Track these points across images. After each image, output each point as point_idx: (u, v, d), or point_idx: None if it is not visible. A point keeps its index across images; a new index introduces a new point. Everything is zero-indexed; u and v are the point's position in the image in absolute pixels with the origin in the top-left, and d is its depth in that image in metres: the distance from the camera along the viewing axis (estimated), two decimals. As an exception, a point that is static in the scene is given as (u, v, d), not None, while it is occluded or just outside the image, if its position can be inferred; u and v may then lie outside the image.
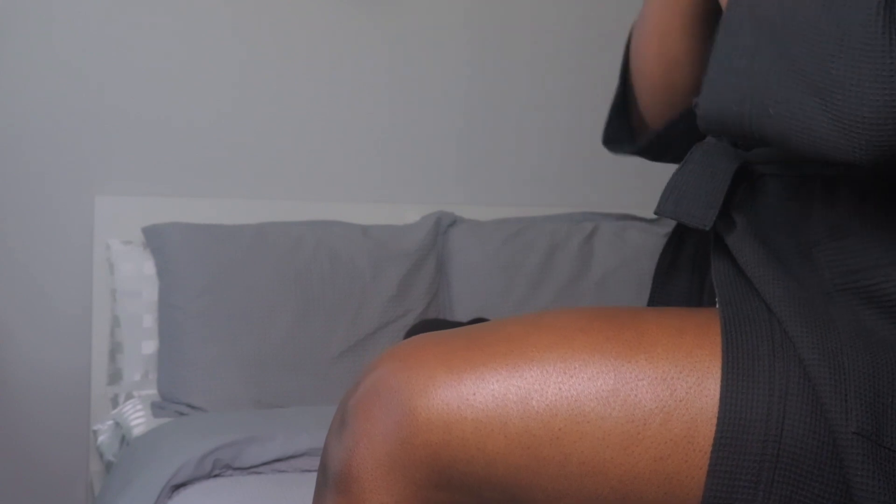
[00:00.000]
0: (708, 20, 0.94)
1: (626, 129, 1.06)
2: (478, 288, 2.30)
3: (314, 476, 1.59)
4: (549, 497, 0.70)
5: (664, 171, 1.17)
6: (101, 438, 2.10)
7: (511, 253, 2.33)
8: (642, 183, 2.41)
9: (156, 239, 2.15)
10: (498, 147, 2.58)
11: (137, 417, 2.00)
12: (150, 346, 2.15)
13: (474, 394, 0.70)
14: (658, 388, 0.70)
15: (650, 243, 2.40)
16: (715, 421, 0.68)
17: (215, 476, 1.60)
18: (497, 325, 0.76)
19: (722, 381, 0.69)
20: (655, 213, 0.83)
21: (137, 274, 2.17)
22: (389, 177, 2.50)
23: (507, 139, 2.59)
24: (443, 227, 2.36)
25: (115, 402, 2.16)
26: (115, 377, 2.19)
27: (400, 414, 0.71)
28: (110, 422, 2.11)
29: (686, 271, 0.91)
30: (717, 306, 0.76)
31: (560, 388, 0.70)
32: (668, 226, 2.39)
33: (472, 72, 2.56)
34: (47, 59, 2.22)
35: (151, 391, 2.12)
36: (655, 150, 1.01)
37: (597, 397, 0.70)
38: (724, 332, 0.71)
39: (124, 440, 1.99)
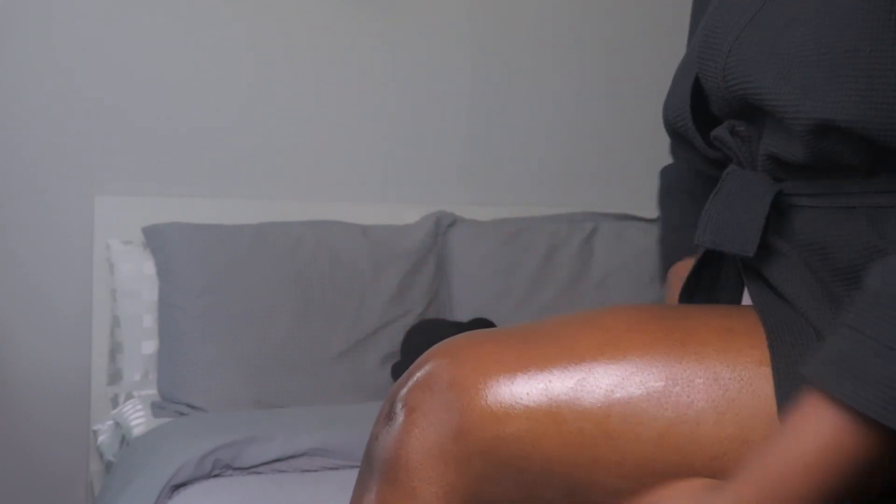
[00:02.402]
0: None
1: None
2: (478, 288, 2.30)
3: (314, 476, 1.59)
4: (608, 493, 0.71)
5: (664, 171, 1.17)
6: (101, 438, 2.10)
7: (511, 253, 2.33)
8: (642, 183, 2.41)
9: (156, 239, 2.15)
10: (498, 147, 2.58)
11: (137, 417, 2.00)
12: (150, 346, 2.15)
13: (527, 392, 0.71)
14: (710, 387, 0.70)
15: (650, 243, 2.40)
16: (767, 420, 0.69)
17: (215, 476, 1.60)
18: (548, 325, 0.77)
19: (774, 380, 0.69)
20: (696, 243, 0.82)
21: (137, 274, 2.17)
22: (389, 177, 2.50)
23: (508, 139, 2.59)
24: (443, 227, 2.36)
25: (115, 402, 2.16)
26: (115, 377, 2.19)
27: (453, 408, 0.72)
28: (110, 422, 2.11)
29: (704, 292, 0.91)
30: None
31: (612, 389, 0.71)
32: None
33: (473, 72, 2.56)
34: (47, 59, 2.22)
35: (151, 391, 2.12)
36: None
37: (649, 398, 0.70)
38: (769, 333, 0.72)
39: (124, 440, 1.99)
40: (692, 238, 0.96)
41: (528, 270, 2.32)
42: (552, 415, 0.70)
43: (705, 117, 0.88)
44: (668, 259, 1.04)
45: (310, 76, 2.42)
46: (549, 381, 0.71)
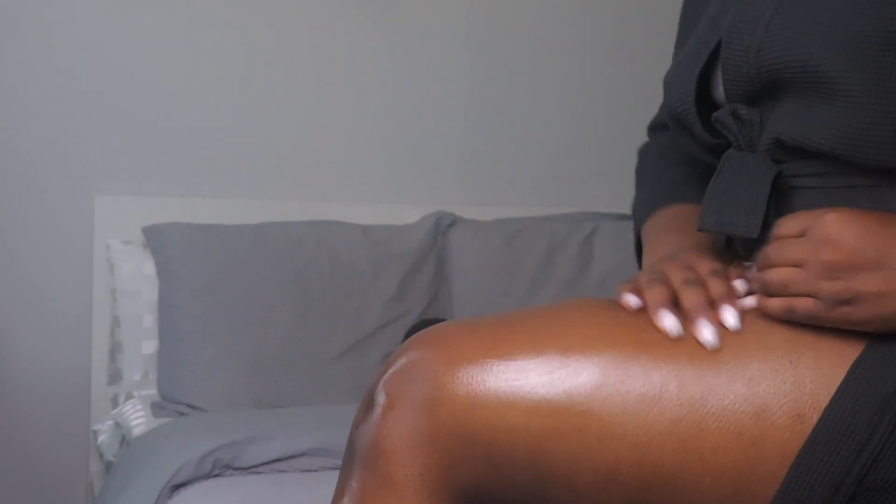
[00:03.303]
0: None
1: None
2: (478, 288, 2.30)
3: (314, 476, 1.59)
4: (567, 464, 0.72)
5: (664, 171, 1.17)
6: (101, 438, 2.10)
7: (511, 253, 2.33)
8: (642, 183, 2.41)
9: (156, 239, 2.15)
10: (498, 147, 2.58)
11: (137, 417, 2.00)
12: (150, 346, 2.15)
13: (498, 369, 0.73)
14: (691, 386, 0.72)
15: (650, 243, 2.40)
16: (755, 414, 0.70)
17: (215, 476, 1.60)
18: (521, 312, 0.79)
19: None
20: (699, 229, 0.83)
21: (137, 274, 2.17)
22: (389, 177, 2.50)
23: (507, 139, 2.59)
24: (443, 227, 2.36)
25: (115, 402, 2.16)
26: (115, 377, 2.19)
27: (426, 390, 0.73)
28: (110, 422, 2.11)
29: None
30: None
31: (580, 363, 0.72)
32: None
33: (473, 72, 2.56)
34: (47, 59, 2.22)
35: (151, 391, 2.12)
36: None
37: (616, 365, 0.72)
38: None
39: (124, 440, 1.99)
40: (670, 194, 0.98)
41: (528, 270, 2.32)
42: (520, 388, 0.72)
43: (706, 106, 0.89)
44: (638, 218, 1.04)
45: (310, 76, 2.42)
46: (519, 359, 0.73)
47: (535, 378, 0.72)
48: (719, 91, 0.86)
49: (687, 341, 0.73)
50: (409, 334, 2.16)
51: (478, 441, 0.72)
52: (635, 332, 0.74)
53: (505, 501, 0.74)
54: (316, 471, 1.63)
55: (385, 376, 0.76)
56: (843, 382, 0.70)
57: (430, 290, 2.28)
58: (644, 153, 1.12)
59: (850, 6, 0.74)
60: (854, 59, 0.73)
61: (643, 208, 1.03)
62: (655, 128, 1.12)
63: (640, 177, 1.10)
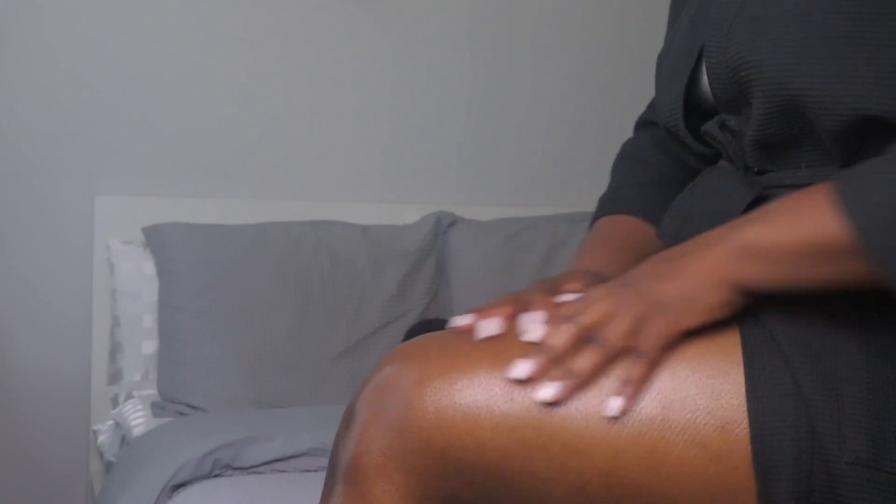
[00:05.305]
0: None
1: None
2: (478, 288, 2.30)
3: (314, 476, 1.59)
4: (536, 480, 0.71)
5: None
6: (101, 438, 2.10)
7: (511, 253, 2.33)
8: (642, 183, 2.41)
9: (156, 239, 2.15)
10: (498, 147, 2.58)
11: (137, 417, 2.00)
12: (150, 346, 2.15)
13: (465, 384, 0.72)
14: (666, 394, 0.71)
15: (650, 243, 2.40)
16: (720, 427, 0.69)
17: (215, 476, 1.60)
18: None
19: (747, 385, 0.70)
20: (658, 236, 0.82)
21: (137, 274, 2.17)
22: (389, 177, 2.50)
23: (508, 139, 2.59)
24: (443, 227, 2.36)
25: (115, 402, 2.16)
26: (115, 377, 2.19)
27: (399, 406, 0.73)
28: (110, 422, 2.11)
29: None
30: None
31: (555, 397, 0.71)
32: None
33: (473, 72, 2.56)
34: (47, 59, 2.22)
35: (151, 391, 2.12)
36: None
37: (596, 411, 0.71)
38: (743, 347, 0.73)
39: (124, 440, 1.99)
40: (625, 199, 1.01)
41: (528, 270, 2.32)
42: (486, 403, 0.71)
43: (696, 114, 0.88)
44: (596, 213, 1.06)
45: (310, 76, 2.42)
46: (485, 374, 0.72)
47: (498, 392, 0.71)
48: (709, 97, 0.86)
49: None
50: (408, 334, 2.16)
51: (448, 458, 0.72)
52: None
53: None
54: (316, 471, 1.63)
55: (363, 392, 0.76)
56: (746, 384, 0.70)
57: (430, 290, 2.28)
58: (620, 151, 1.13)
59: (797, 7, 0.74)
60: (802, 63, 0.73)
61: (595, 212, 1.08)
62: (639, 125, 1.13)
63: (611, 175, 1.12)
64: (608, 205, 1.06)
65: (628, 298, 0.73)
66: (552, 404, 0.70)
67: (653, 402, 0.70)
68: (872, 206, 0.67)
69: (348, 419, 0.77)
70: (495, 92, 2.58)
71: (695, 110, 0.88)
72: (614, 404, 0.70)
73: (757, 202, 0.80)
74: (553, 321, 0.73)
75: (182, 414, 1.98)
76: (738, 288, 0.72)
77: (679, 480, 0.70)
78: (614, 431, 0.70)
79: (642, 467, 0.70)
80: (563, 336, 0.72)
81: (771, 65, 0.75)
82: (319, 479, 1.57)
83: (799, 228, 0.69)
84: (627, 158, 1.10)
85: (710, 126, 0.85)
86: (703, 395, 0.70)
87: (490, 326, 0.75)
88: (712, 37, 0.81)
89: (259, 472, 1.62)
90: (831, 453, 0.67)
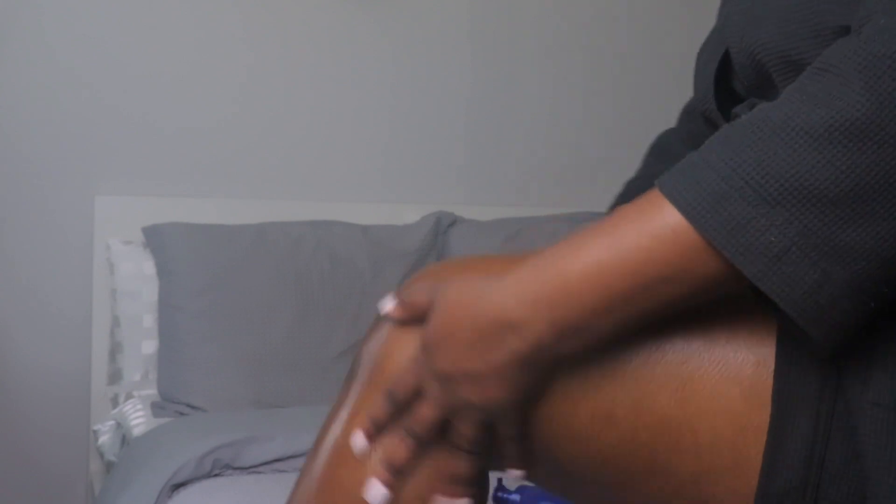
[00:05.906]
0: None
1: None
2: (478, 288, 2.30)
3: (314, 476, 1.59)
4: (566, 398, 0.71)
5: (664, 171, 1.17)
6: (101, 438, 2.10)
7: (511, 253, 2.33)
8: (642, 183, 2.41)
9: (156, 239, 2.15)
10: (498, 147, 2.59)
11: (137, 417, 2.00)
12: (150, 346, 2.15)
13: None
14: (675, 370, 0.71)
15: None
16: (732, 420, 0.69)
17: (215, 476, 1.61)
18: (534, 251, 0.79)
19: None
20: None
21: (137, 274, 2.17)
22: (389, 177, 2.50)
23: (508, 139, 2.59)
24: (443, 227, 2.37)
25: (115, 402, 2.16)
26: (115, 377, 2.19)
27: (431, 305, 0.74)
28: (111, 422, 2.11)
29: None
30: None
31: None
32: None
33: (473, 72, 2.56)
34: (47, 59, 2.22)
35: (151, 391, 2.12)
36: None
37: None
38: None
39: (125, 440, 1.99)
40: (644, 189, 0.98)
41: (528, 270, 2.32)
42: None
43: (733, 102, 0.89)
44: (615, 201, 1.06)
45: (310, 76, 2.42)
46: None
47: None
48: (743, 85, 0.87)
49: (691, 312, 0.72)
50: (409, 334, 2.16)
51: None
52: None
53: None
54: (316, 471, 1.63)
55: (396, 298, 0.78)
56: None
57: (430, 290, 2.28)
58: (654, 141, 1.13)
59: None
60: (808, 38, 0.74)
61: (615, 199, 1.07)
62: (682, 115, 1.12)
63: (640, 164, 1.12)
64: (628, 193, 1.05)
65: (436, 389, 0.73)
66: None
67: (695, 334, 0.70)
68: (693, 183, 0.64)
69: (376, 325, 0.79)
70: (495, 92, 2.58)
71: (730, 98, 0.88)
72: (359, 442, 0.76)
73: None
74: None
75: (182, 414, 1.98)
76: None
77: (708, 415, 0.69)
78: (653, 360, 0.70)
79: (675, 399, 0.69)
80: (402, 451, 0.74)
81: (777, 44, 0.76)
82: (319, 478, 1.57)
83: (628, 236, 0.67)
84: (656, 149, 1.10)
85: (741, 109, 0.85)
86: (742, 329, 0.70)
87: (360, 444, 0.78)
88: (734, 24, 0.82)
89: (259, 472, 1.62)
90: (855, 391, 0.66)
